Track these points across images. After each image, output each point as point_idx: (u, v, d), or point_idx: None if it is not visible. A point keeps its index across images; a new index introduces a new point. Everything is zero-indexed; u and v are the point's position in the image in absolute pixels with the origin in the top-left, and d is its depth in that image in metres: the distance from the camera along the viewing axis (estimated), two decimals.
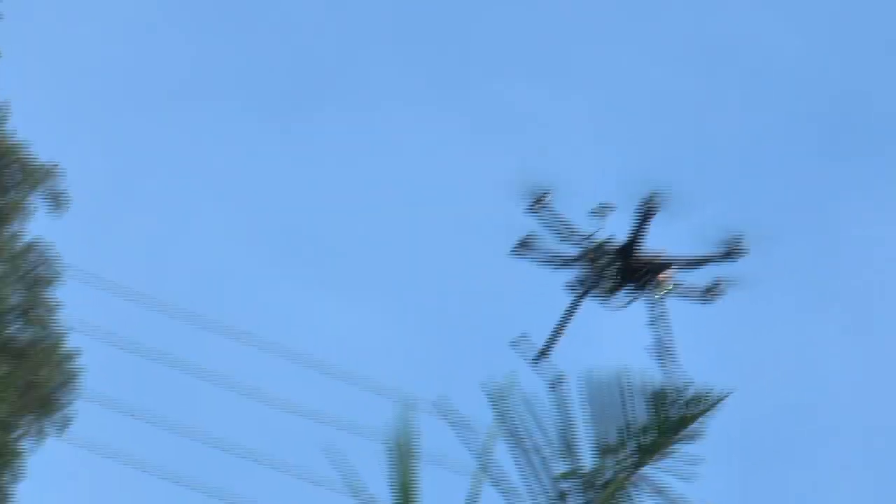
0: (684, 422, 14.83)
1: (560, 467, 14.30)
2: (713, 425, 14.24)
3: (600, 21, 75.22)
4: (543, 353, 30.70)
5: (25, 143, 44.21)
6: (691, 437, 14.59)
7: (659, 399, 14.40)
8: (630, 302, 29.33)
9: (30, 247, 44.37)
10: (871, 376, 71.12)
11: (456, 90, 73.08)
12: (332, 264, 61.49)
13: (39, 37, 68.48)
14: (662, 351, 29.18)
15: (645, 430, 14.70)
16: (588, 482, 14.33)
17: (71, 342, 42.19)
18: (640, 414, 14.60)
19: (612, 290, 29.12)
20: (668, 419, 14.73)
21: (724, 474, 15.49)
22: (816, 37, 78.36)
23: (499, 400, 13.37)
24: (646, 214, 28.52)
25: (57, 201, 44.20)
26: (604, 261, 28.57)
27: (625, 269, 29.07)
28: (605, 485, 14.39)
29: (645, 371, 14.33)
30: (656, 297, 28.99)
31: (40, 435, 41.45)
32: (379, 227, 59.49)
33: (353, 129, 68.85)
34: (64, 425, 42.09)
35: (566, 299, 30.56)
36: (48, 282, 42.87)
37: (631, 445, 14.72)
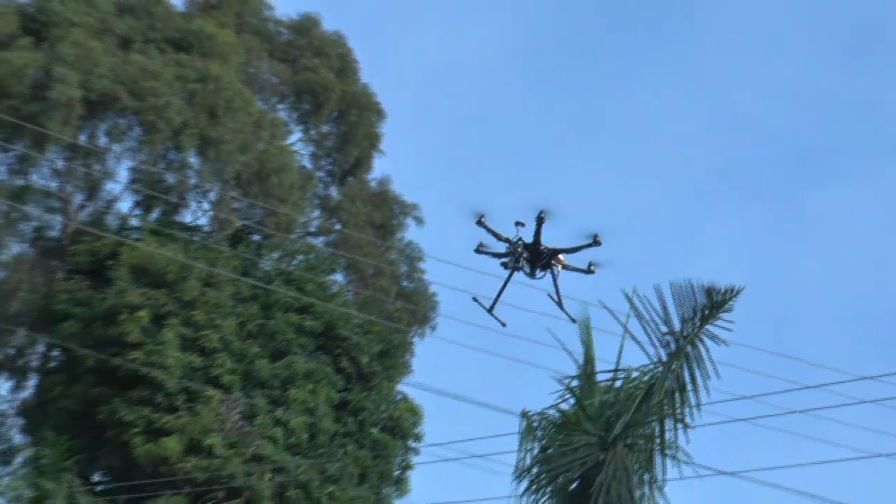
0: (723, 301, 18.44)
1: (664, 329, 18.11)
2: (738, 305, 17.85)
3: None
4: (493, 305, 31.06)
5: (400, 193, 48.13)
6: (728, 310, 18.30)
7: (709, 290, 18.07)
8: (542, 275, 29.89)
9: (407, 244, 47.82)
10: None
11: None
12: None
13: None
14: (559, 297, 29.79)
15: (703, 308, 18.36)
16: (676, 335, 18.15)
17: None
18: (700, 299, 18.19)
19: (531, 269, 29.78)
20: (715, 300, 18.29)
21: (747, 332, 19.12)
22: None
23: (630, 296, 17.39)
24: (540, 222, 29.09)
25: (418, 221, 47.96)
26: (520, 252, 29.62)
27: (533, 256, 29.58)
28: (687, 336, 18.23)
29: (699, 279, 17.98)
30: (556, 271, 29.71)
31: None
32: None
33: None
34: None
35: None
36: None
37: (697, 316, 18.39)
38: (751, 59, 76.68)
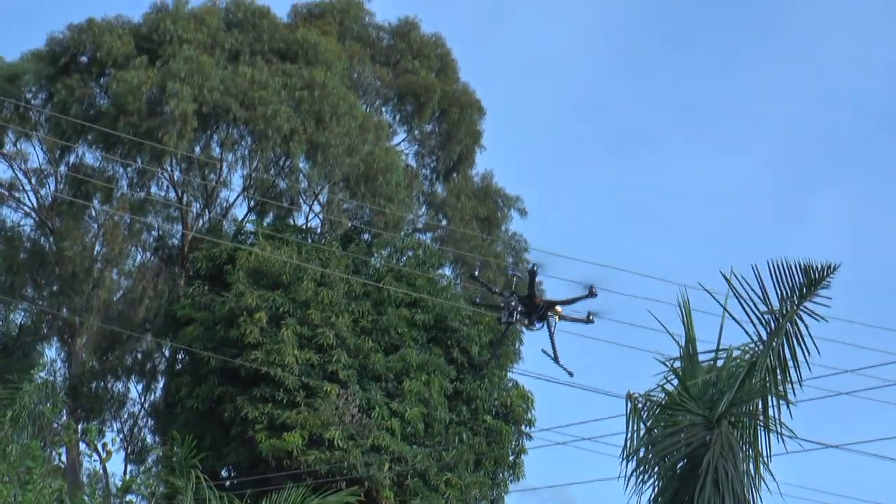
0: (821, 279, 18.19)
1: (763, 308, 17.85)
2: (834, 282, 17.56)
3: None
4: (495, 350, 31.85)
5: (502, 187, 47.76)
6: (825, 286, 18.04)
7: (806, 268, 17.84)
8: (540, 326, 29.48)
9: (512, 236, 47.38)
10: None
11: None
12: None
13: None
14: (555, 351, 29.40)
15: (801, 285, 18.11)
16: (775, 313, 17.85)
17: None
18: (799, 278, 17.96)
19: (528, 321, 29.27)
20: (812, 278, 18.06)
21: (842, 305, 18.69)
22: None
23: (730, 279, 17.05)
24: (532, 276, 28.74)
25: (521, 213, 47.83)
26: (514, 305, 29.17)
27: (529, 308, 29.05)
28: (786, 313, 17.97)
29: (800, 255, 17.67)
30: (552, 322, 29.20)
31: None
32: None
33: None
34: None
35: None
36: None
37: (796, 292, 18.15)
38: (851, 35, 75.22)
